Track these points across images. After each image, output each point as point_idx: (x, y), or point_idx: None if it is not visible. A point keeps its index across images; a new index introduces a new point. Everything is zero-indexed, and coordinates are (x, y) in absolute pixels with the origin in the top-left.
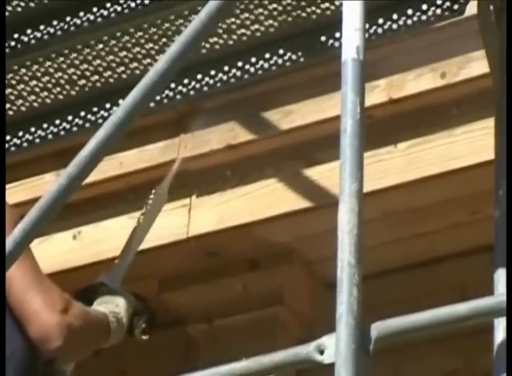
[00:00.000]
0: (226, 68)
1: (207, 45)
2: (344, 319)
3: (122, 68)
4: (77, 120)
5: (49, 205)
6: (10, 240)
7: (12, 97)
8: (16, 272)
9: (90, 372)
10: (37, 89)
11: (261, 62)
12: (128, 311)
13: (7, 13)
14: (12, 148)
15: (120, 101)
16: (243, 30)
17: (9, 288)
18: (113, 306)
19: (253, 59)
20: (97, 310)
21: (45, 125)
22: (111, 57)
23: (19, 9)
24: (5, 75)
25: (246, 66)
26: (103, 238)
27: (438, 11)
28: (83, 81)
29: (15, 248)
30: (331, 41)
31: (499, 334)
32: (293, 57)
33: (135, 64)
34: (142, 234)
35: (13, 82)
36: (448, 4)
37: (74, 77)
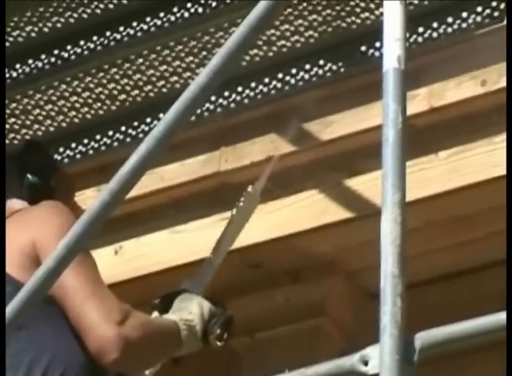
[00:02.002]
0: (267, 80)
1: (248, 58)
2: (387, 330)
3: (162, 82)
4: (117, 135)
5: (92, 221)
6: (53, 256)
7: (53, 113)
8: (72, 283)
9: None
10: (77, 105)
11: (301, 73)
12: (202, 318)
13: (47, 30)
14: None
15: (161, 115)
16: (283, 42)
17: (65, 298)
18: (186, 313)
19: (293, 71)
20: (166, 319)
21: (85, 141)
22: (151, 71)
23: (58, 25)
24: (5, 77)
25: (287, 78)
26: (145, 253)
27: (478, 18)
28: (123, 96)
29: (58, 264)
30: (371, 51)
31: None
32: (334, 68)
33: (175, 78)
34: (232, 236)
35: (54, 98)
36: (488, 11)
37: (115, 92)
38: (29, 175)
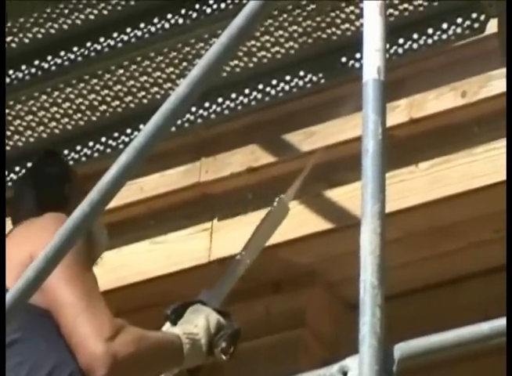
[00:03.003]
0: (247, 91)
1: (228, 68)
2: (367, 340)
3: (143, 93)
4: (98, 146)
5: (72, 232)
6: (32, 267)
7: (34, 124)
8: (67, 297)
9: None
10: (58, 116)
11: (281, 84)
12: (208, 331)
13: (27, 40)
14: None
15: (142, 126)
16: (263, 53)
17: (59, 312)
18: (191, 327)
19: (274, 82)
20: (168, 333)
21: (66, 152)
22: (132, 82)
23: (39, 36)
24: (5, 78)
25: (267, 89)
26: (125, 263)
27: (459, 30)
28: (104, 107)
29: (37, 275)
30: (352, 62)
31: None
32: (314, 79)
33: (155, 89)
34: (256, 246)
35: (34, 109)
36: (468, 23)
37: (95, 103)
38: (42, 188)
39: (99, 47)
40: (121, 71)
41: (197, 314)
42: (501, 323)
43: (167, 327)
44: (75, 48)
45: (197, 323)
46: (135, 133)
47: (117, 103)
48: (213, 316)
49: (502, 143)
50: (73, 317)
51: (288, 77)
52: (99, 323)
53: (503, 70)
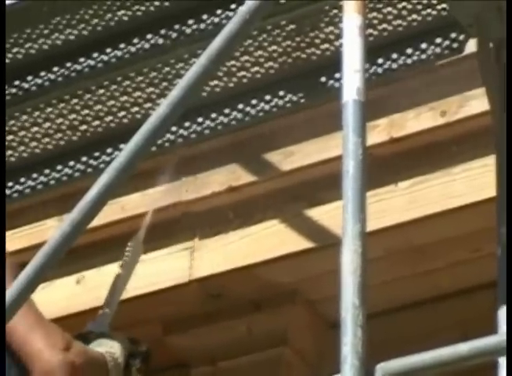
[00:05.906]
0: (227, 111)
1: (208, 88)
2: (348, 360)
3: (123, 113)
4: (78, 165)
5: (53, 251)
6: (15, 287)
7: (14, 144)
8: (16, 317)
9: None
10: (38, 135)
11: (261, 104)
12: (123, 352)
13: (8, 60)
14: (15, 194)
15: (122, 146)
16: (243, 73)
17: (12, 333)
18: (108, 347)
19: (253, 101)
20: (95, 350)
21: (47, 171)
22: (112, 102)
23: (19, 56)
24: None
25: (247, 109)
26: (107, 282)
27: (438, 50)
28: (84, 127)
29: (20, 295)
30: (331, 82)
31: (503, 373)
32: (294, 98)
33: (136, 109)
34: (122, 284)
35: (15, 129)
36: (447, 42)
37: (76, 123)
38: None
39: (79, 67)
40: (102, 91)
41: (107, 338)
42: (480, 343)
43: None
44: (55, 69)
45: (112, 344)
46: (116, 153)
47: (98, 122)
48: (122, 339)
49: (481, 162)
50: (26, 332)
51: (268, 97)
52: (53, 335)
53: (482, 90)
